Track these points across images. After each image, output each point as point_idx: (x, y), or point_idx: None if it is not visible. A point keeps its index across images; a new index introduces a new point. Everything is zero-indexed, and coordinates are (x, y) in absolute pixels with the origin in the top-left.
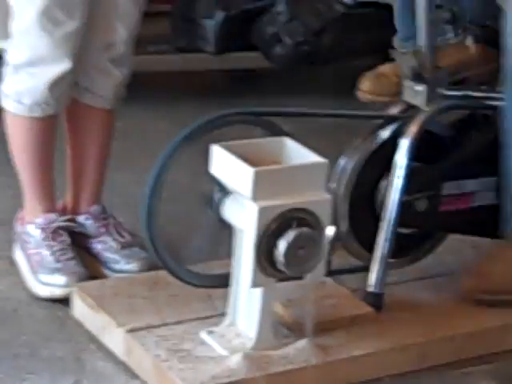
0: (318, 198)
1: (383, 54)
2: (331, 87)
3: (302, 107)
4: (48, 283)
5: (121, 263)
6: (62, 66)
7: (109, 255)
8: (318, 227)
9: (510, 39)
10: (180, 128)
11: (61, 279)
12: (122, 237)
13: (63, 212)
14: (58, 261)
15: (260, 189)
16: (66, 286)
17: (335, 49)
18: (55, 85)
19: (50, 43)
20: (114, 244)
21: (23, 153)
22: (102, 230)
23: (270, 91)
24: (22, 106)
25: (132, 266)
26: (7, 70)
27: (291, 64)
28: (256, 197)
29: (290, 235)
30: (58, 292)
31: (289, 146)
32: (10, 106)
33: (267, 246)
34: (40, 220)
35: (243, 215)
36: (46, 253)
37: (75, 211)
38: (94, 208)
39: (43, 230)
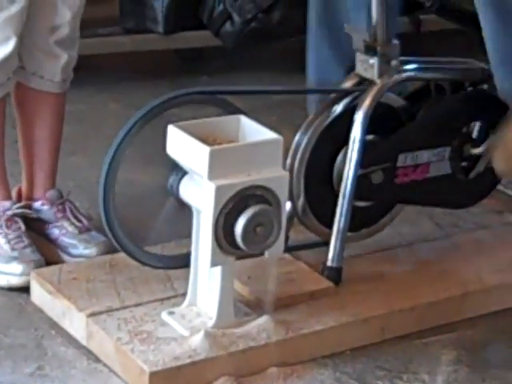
0: (274, 175)
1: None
2: (281, 63)
3: (253, 85)
4: (4, 272)
5: (79, 248)
6: (5, 50)
7: (67, 240)
8: (276, 204)
9: None
10: (132, 110)
11: (17, 268)
12: (79, 221)
13: (19, 199)
14: (13, 249)
15: (216, 168)
16: (22, 274)
17: (284, 25)
18: None
19: None
20: (71, 229)
21: None
22: (59, 215)
23: (220, 70)
24: None
25: (91, 250)
26: None
27: (241, 41)
28: (212, 176)
29: (248, 213)
30: (14, 281)
31: (243, 124)
32: None
33: (225, 224)
34: None
35: (201, 195)
36: (1, 241)
37: (31, 197)
38: (50, 193)
39: None
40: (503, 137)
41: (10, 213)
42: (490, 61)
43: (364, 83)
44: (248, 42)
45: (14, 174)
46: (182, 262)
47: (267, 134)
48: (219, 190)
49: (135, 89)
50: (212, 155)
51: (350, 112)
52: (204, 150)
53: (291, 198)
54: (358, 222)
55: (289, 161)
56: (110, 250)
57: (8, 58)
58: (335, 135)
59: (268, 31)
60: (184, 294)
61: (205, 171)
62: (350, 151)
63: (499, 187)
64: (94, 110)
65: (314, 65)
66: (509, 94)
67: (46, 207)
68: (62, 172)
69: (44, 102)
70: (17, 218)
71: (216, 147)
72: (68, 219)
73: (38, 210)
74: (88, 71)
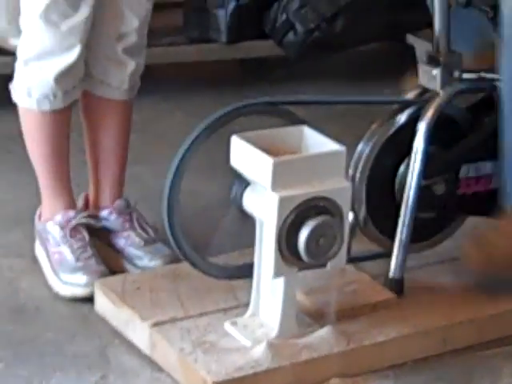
0: (337, 186)
1: (397, 38)
2: (344, 73)
3: (315, 94)
4: (69, 283)
5: (144, 260)
6: (69, 58)
7: (133, 251)
8: (339, 215)
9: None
10: (196, 119)
11: (82, 278)
12: (146, 232)
13: (86, 205)
14: (78, 259)
15: (279, 179)
16: (87, 285)
17: (347, 35)
18: (62, 77)
19: (57, 36)
20: (137, 240)
21: (37, 148)
22: (126, 225)
23: (282, 79)
24: (31, 100)
25: (156, 262)
26: (18, 65)
27: (303, 51)
28: (276, 187)
29: (311, 224)
30: (79, 292)
31: (307, 135)
32: (20, 101)
33: (288, 235)
34: (59, 217)
35: (264, 206)
36: (66, 251)
37: (98, 206)
38: (118, 202)
39: (62, 227)
40: (484, 236)
41: (74, 222)
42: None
43: (427, 94)
44: (311, 52)
45: (80, 182)
46: (245, 272)
47: (330, 145)
48: (282, 201)
49: (198, 98)
50: (275, 166)
51: (412, 123)
52: (267, 161)
53: (353, 208)
54: (420, 232)
55: (351, 171)
56: (174, 261)
57: (73, 67)
58: (398, 146)
59: (331, 41)
60: (247, 305)
61: (268, 182)
62: (412, 162)
63: None
64: (158, 119)
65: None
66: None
67: (113, 216)
68: (125, 181)
69: (111, 110)
70: (81, 228)
71: (279, 158)
72: (135, 230)
73: (104, 219)
74: (152, 80)
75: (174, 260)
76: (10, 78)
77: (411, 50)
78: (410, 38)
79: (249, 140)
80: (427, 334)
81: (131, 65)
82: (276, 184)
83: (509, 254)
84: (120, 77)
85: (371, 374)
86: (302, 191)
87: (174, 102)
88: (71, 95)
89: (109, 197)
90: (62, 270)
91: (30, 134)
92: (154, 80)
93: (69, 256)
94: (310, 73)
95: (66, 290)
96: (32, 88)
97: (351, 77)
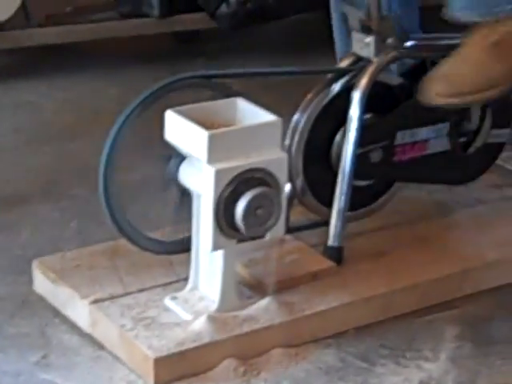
0: (274, 157)
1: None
2: (279, 44)
3: (250, 67)
4: None
5: None
6: None
7: None
8: (276, 185)
9: None
10: (130, 95)
11: None
12: None
13: None
14: None
15: (215, 151)
16: None
17: (280, 5)
18: None
19: None
20: None
21: None
22: None
23: (217, 52)
24: None
25: None
26: None
27: (237, 23)
28: (212, 160)
29: (248, 196)
30: None
31: (241, 107)
32: None
33: (226, 208)
34: None
35: (200, 179)
36: None
37: None
38: None
39: None
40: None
41: None
42: None
43: (361, 62)
44: (244, 23)
45: None
46: (184, 246)
47: (265, 116)
48: (219, 174)
49: (134, 73)
50: (211, 139)
51: (347, 91)
52: (203, 135)
53: (290, 178)
54: (358, 200)
55: (287, 142)
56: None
57: None
58: (333, 115)
59: (263, 12)
60: (186, 279)
61: (204, 155)
62: (348, 130)
63: (498, 162)
64: (93, 95)
65: (339, 39)
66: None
67: None
68: (62, 158)
69: None
70: None
71: (214, 131)
72: None
73: None
74: (86, 57)
75: None
76: None
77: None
78: (343, 6)
79: (183, 114)
80: (368, 301)
81: None
82: (212, 157)
83: (475, 79)
84: None
85: (314, 344)
86: (238, 163)
87: (109, 78)
88: None
89: None
90: None
91: None
92: (88, 56)
93: None
94: (244, 45)
95: None
96: None
97: (286, 48)
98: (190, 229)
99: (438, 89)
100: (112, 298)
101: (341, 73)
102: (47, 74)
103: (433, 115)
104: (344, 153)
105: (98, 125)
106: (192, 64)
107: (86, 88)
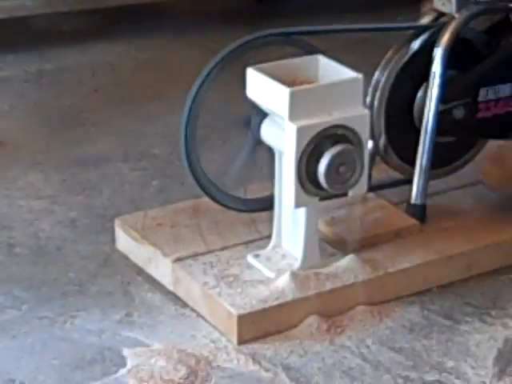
0: (355, 114)
1: None
2: (358, 3)
3: (330, 25)
4: None
5: None
6: None
7: None
8: (358, 143)
9: None
10: (210, 55)
11: None
12: None
13: None
14: None
15: (297, 108)
16: None
17: None
18: None
19: None
20: None
21: None
22: None
23: (297, 12)
24: None
25: None
26: None
27: None
28: (293, 117)
29: (330, 153)
30: None
31: (323, 64)
32: None
33: (308, 165)
34: None
35: (282, 136)
36: None
37: None
38: None
39: None
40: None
41: None
42: None
43: (442, 18)
44: None
45: None
46: (266, 204)
47: (347, 73)
48: (301, 131)
49: (212, 33)
50: (292, 96)
51: (428, 48)
52: (284, 92)
53: (373, 136)
54: (441, 158)
55: (369, 99)
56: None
57: None
58: (414, 72)
59: None
60: (269, 237)
61: (285, 112)
62: (430, 87)
63: None
64: (171, 56)
65: None
66: None
67: None
68: (142, 119)
69: None
70: None
71: (296, 88)
72: None
73: None
74: (164, 18)
75: None
76: None
77: None
78: None
79: (264, 71)
80: (451, 260)
81: None
82: (293, 114)
83: None
84: None
85: (397, 301)
86: (319, 120)
87: (187, 38)
88: None
89: None
90: None
91: None
92: (166, 17)
93: None
94: (324, 4)
95: None
96: None
97: (365, 6)
98: (272, 187)
99: (492, 174)
100: (194, 255)
101: (422, 29)
102: (125, 34)
103: None
104: (426, 110)
105: (177, 85)
106: (271, 23)
107: (164, 48)
